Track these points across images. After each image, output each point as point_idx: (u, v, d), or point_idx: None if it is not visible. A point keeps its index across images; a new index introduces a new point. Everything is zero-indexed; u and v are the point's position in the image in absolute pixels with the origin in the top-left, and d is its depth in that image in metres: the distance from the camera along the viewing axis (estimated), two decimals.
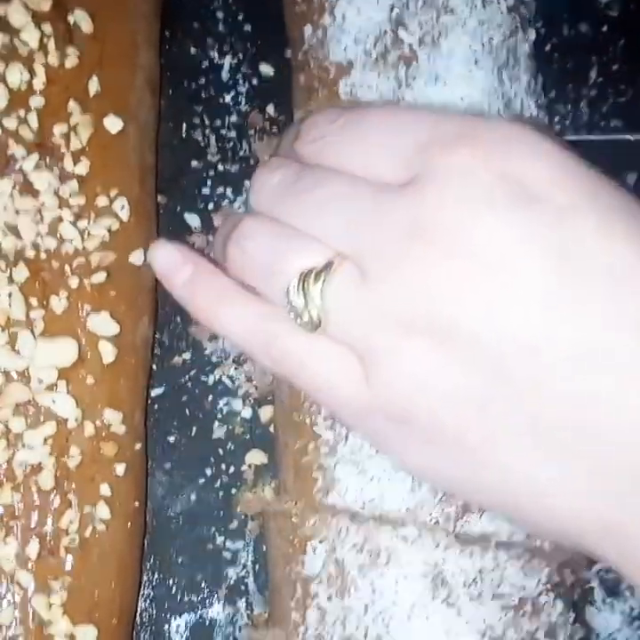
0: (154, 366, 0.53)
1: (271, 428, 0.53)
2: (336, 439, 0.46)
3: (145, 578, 0.49)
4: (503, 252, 0.33)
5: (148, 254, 0.44)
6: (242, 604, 0.50)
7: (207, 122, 0.58)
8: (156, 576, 0.49)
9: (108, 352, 0.45)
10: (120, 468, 0.45)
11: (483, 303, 0.33)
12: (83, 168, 0.47)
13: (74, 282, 0.45)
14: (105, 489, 0.44)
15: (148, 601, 0.49)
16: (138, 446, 0.47)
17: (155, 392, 0.53)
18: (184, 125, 0.57)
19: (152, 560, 0.49)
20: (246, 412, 0.54)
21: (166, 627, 0.49)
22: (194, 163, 0.57)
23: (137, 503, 0.46)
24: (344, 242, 0.36)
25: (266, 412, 0.53)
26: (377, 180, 0.37)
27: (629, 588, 0.53)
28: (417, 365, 0.35)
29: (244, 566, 0.51)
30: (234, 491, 0.52)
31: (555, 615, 0.45)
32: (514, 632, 0.43)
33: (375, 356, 0.35)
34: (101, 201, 0.47)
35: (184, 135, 0.57)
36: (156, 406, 0.52)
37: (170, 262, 0.42)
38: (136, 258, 0.48)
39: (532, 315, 0.33)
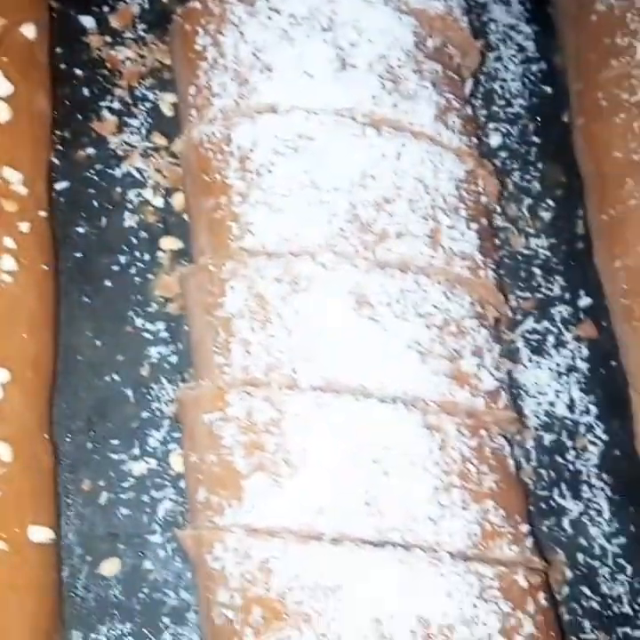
0: (56, 161, 0.51)
1: (185, 216, 0.51)
2: (248, 186, 0.45)
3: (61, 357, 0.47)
4: None
5: None
6: (165, 380, 0.48)
7: None
8: (71, 354, 0.48)
9: (1, 109, 0.43)
10: (24, 227, 0.43)
11: None
12: None
13: None
14: (9, 242, 0.42)
15: (65, 374, 0.47)
16: (42, 214, 0.46)
17: (59, 186, 0.50)
18: None
19: (65, 339, 0.47)
20: (158, 201, 0.52)
21: (85, 394, 0.47)
22: None
23: (45, 267, 0.44)
24: None
25: (178, 200, 0.51)
26: None
27: (555, 346, 0.53)
28: None
29: (167, 344, 0.49)
30: (150, 276, 0.50)
31: (480, 340, 0.45)
32: (440, 347, 0.43)
33: None
34: None
35: None
36: (61, 199, 0.51)
37: None
38: (28, 30, 0.46)
39: None
